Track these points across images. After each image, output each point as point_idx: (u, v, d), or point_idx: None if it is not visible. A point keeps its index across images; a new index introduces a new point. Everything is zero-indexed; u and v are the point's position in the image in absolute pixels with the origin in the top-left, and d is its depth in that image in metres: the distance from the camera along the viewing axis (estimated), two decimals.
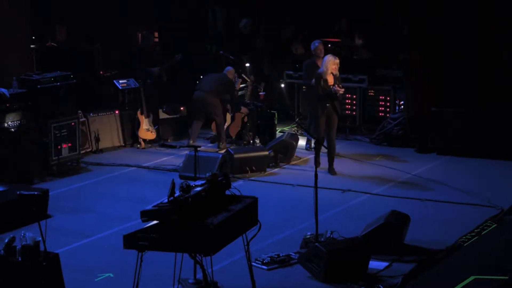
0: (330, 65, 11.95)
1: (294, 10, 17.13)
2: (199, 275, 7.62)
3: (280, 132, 14.71)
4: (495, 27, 13.46)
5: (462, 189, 11.42)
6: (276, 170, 12.64)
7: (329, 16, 16.71)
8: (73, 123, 12.72)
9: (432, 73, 13.87)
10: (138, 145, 14.22)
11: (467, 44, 13.63)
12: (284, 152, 12.99)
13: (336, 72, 12.11)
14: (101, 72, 14.85)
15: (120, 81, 14.39)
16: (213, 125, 14.24)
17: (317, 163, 12.06)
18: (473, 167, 12.73)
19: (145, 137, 14.20)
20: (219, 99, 13.84)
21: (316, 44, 13.08)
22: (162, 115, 14.67)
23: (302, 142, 13.82)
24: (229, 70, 14.09)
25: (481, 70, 13.57)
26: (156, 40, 16.37)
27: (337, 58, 12.12)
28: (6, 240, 7.10)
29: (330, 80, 12.01)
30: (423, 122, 13.72)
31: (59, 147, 12.37)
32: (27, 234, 7.02)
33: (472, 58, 13.60)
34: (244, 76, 14.26)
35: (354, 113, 15.31)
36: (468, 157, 13.17)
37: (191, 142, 13.60)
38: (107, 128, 13.96)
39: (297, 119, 15.54)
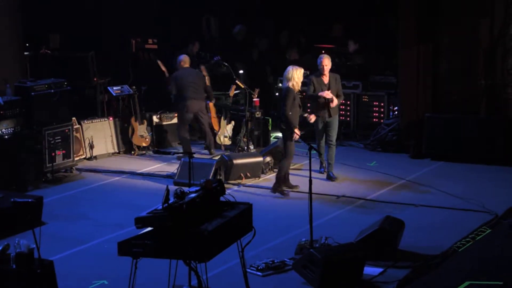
0: (296, 75, 11.22)
1: (288, 16, 17.16)
2: (194, 282, 7.60)
3: (274, 138, 14.72)
4: (489, 31, 13.46)
5: (457, 194, 11.43)
6: (270, 176, 12.62)
7: (323, 22, 16.74)
8: (67, 130, 12.71)
9: (426, 79, 13.87)
10: (132, 152, 14.20)
11: (460, 48, 13.64)
12: (279, 158, 12.98)
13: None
14: (95, 79, 14.84)
15: (114, 88, 14.37)
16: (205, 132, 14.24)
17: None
18: (468, 173, 12.73)
19: (139, 144, 14.18)
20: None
21: (321, 59, 12.22)
22: (156, 122, 14.65)
23: (296, 147, 13.78)
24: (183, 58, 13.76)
25: (475, 75, 13.57)
26: (155, 47, 16.35)
27: (297, 67, 11.33)
28: (0, 248, 7.08)
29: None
30: (417, 128, 13.73)
31: (53, 154, 12.35)
32: (21, 242, 7.01)
33: (466, 63, 13.61)
34: (238, 82, 14.23)
35: (348, 119, 15.31)
36: (462, 162, 13.18)
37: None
38: (101, 135, 13.93)
39: None
